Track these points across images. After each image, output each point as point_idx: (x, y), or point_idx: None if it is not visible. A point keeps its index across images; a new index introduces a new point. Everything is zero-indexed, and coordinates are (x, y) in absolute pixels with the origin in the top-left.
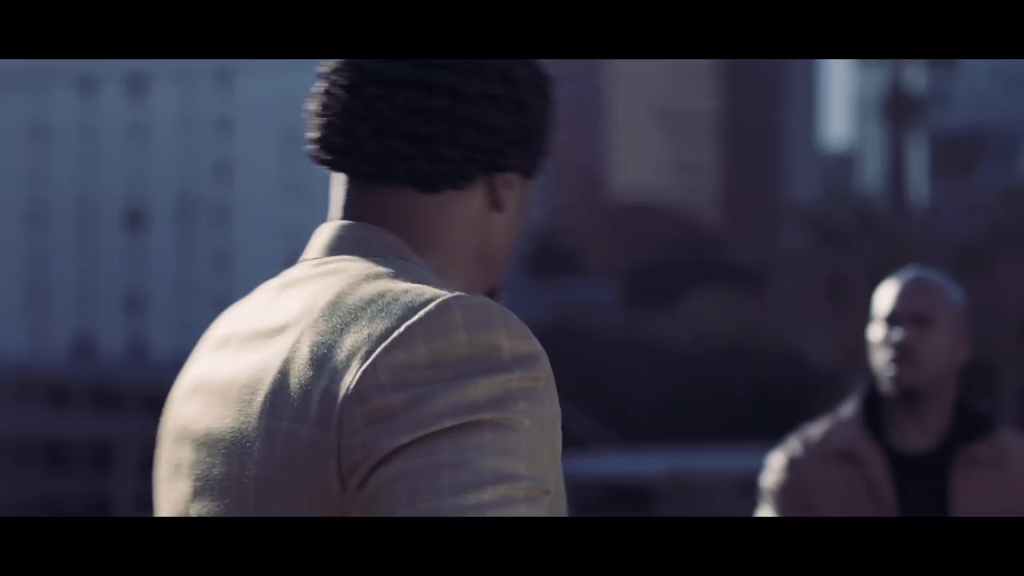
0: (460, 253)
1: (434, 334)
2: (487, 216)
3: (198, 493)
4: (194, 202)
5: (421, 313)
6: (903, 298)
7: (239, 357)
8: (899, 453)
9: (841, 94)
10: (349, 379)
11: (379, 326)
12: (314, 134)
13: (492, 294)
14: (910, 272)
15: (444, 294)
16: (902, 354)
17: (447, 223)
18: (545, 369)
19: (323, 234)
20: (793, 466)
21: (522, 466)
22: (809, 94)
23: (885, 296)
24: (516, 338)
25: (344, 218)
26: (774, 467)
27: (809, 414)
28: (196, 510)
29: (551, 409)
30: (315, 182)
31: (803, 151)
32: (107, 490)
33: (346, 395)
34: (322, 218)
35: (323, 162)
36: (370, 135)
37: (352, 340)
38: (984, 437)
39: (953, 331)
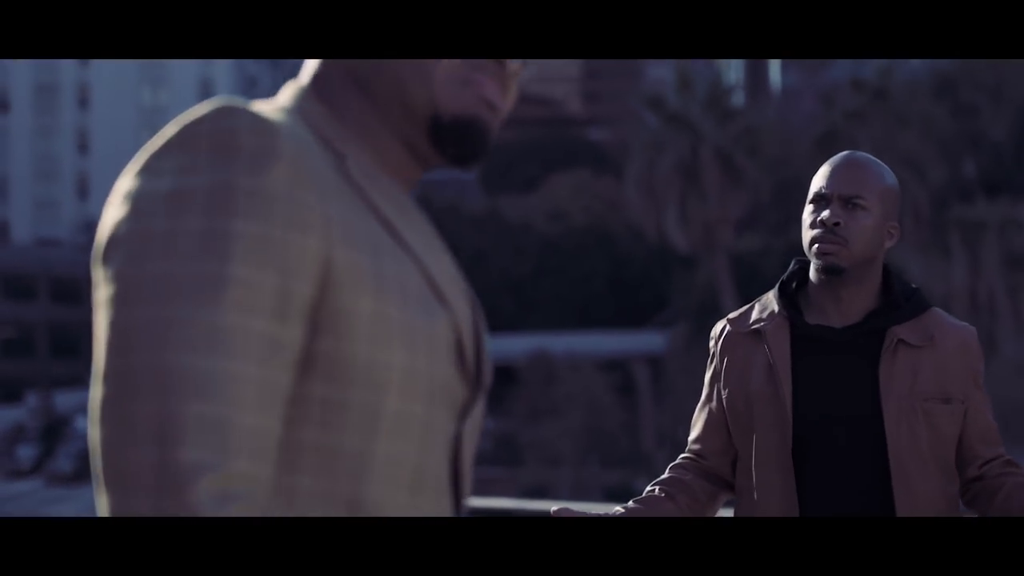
0: (358, 94)
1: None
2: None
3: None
4: (55, 84)
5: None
6: (832, 178)
7: None
8: (811, 332)
9: None
10: None
11: None
12: None
13: (436, 135)
14: (844, 153)
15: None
16: (827, 232)
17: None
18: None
19: None
20: (716, 339)
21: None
22: None
23: (816, 177)
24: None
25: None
26: (711, 339)
27: (666, 297)
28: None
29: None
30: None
31: None
32: None
33: None
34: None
35: None
36: None
37: None
38: (913, 318)
39: (881, 213)
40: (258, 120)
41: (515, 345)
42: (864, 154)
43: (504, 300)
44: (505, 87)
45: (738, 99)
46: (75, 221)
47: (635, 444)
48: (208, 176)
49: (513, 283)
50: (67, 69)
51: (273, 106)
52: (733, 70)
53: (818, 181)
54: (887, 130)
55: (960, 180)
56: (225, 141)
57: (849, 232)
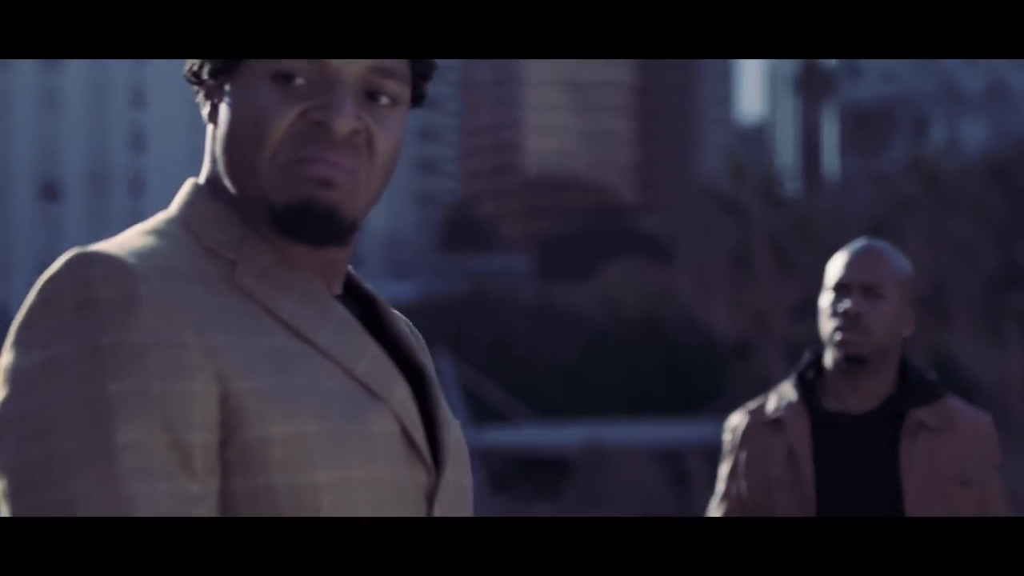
0: (211, 174)
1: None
2: (213, 130)
3: None
4: (108, 172)
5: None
6: (852, 268)
7: None
8: (830, 419)
9: (755, 67)
10: None
11: None
12: None
13: (284, 210)
14: (860, 242)
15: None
16: (849, 323)
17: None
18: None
19: None
20: (733, 431)
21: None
22: (723, 66)
23: (835, 266)
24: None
25: None
26: (726, 432)
27: (718, 386)
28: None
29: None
30: None
31: (716, 124)
32: None
33: None
34: None
35: None
36: None
37: None
38: (930, 403)
39: (900, 301)
40: (113, 266)
41: (568, 434)
42: (882, 242)
43: (557, 389)
44: (349, 151)
45: (794, 186)
46: None
47: None
48: (74, 341)
49: (566, 372)
50: (119, 154)
51: (148, 226)
52: (792, 155)
53: (838, 270)
54: (939, 216)
55: (1015, 266)
56: (82, 299)
57: (871, 322)
